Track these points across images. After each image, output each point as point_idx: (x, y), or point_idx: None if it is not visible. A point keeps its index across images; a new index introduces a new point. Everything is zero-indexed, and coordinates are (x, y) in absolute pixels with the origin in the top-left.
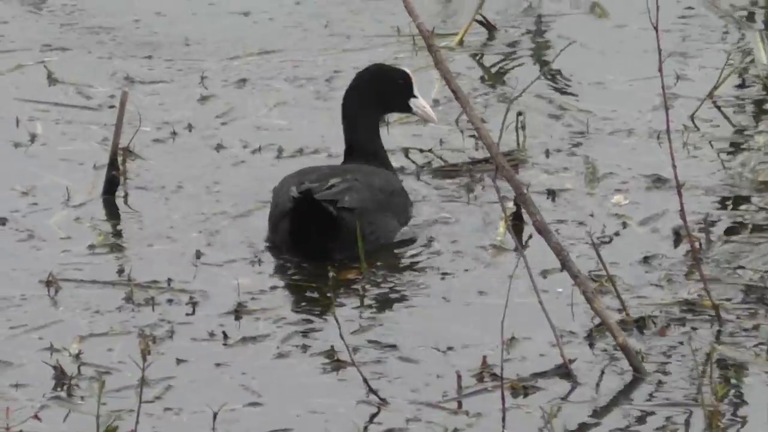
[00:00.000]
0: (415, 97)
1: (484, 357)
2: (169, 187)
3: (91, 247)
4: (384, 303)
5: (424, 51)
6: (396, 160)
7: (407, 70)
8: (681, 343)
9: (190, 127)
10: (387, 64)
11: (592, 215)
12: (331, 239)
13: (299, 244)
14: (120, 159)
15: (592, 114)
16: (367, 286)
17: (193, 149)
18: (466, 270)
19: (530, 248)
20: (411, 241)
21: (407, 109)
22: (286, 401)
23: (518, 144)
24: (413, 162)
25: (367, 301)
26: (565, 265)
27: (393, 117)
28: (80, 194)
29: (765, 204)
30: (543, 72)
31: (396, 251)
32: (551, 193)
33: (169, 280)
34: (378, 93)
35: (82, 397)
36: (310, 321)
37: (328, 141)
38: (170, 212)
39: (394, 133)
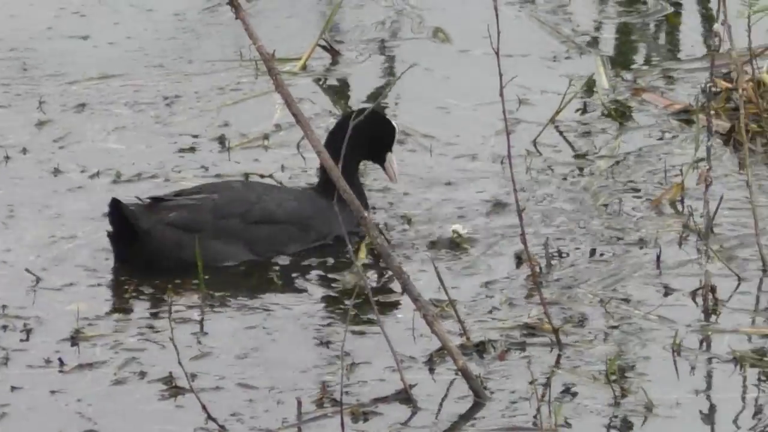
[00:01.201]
0: (391, 151)
1: (324, 383)
2: (3, 211)
3: None
4: (223, 328)
5: (266, 75)
6: None
7: (396, 126)
8: (521, 367)
9: (24, 151)
10: (380, 113)
11: (434, 241)
12: (136, 251)
13: (114, 248)
14: None
15: (435, 139)
16: (207, 311)
17: (28, 173)
18: (309, 295)
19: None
20: (253, 266)
21: (381, 161)
22: (124, 428)
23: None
24: None
25: (206, 327)
26: (406, 288)
27: (235, 141)
28: None
29: (605, 228)
30: (383, 96)
31: (238, 276)
32: (404, 218)
33: (4, 306)
34: (368, 140)
35: None
36: (147, 347)
37: (166, 166)
38: (5, 237)
39: (235, 158)
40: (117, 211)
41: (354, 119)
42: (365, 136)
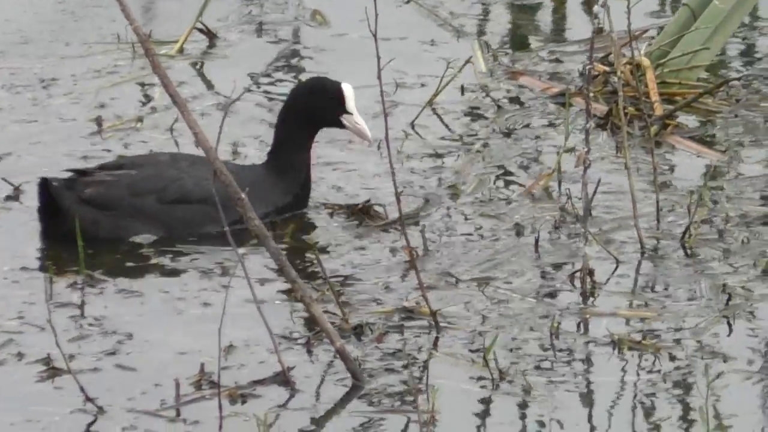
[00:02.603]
0: (348, 113)
1: (202, 364)
2: None
3: None
4: (102, 309)
5: (144, 58)
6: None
7: (344, 85)
8: (399, 350)
9: None
10: (324, 77)
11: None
12: (58, 228)
13: (42, 224)
14: None
15: None
16: (86, 291)
17: None
18: (188, 276)
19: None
20: (136, 247)
21: (338, 125)
22: (2, 410)
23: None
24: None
25: (85, 308)
26: (283, 270)
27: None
28: None
29: (482, 212)
30: (257, 79)
31: (125, 255)
32: None
33: None
34: (308, 107)
35: None
36: (25, 329)
37: (41, 149)
38: None
39: (107, 139)
40: (44, 189)
41: (296, 89)
42: (308, 103)
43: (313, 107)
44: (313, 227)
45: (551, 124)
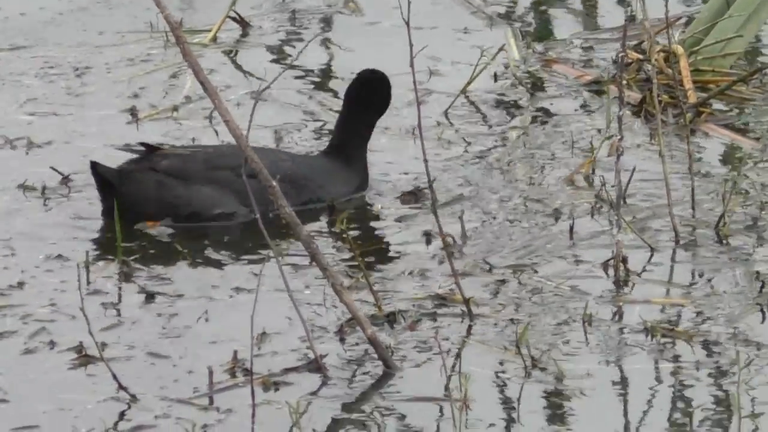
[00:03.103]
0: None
1: (235, 352)
2: None
3: None
4: (135, 298)
5: (176, 48)
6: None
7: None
8: (432, 337)
9: None
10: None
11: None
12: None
13: (103, 202)
14: None
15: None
16: (121, 279)
17: None
18: (220, 263)
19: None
20: (173, 235)
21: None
22: (34, 398)
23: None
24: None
25: (117, 297)
26: (315, 258)
27: (144, 113)
28: None
29: (517, 199)
30: (289, 66)
31: (159, 243)
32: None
33: None
34: (372, 100)
35: None
36: (58, 317)
37: (79, 139)
38: None
39: (144, 129)
40: (95, 172)
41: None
42: (377, 97)
43: (381, 102)
44: (364, 212)
45: (586, 112)
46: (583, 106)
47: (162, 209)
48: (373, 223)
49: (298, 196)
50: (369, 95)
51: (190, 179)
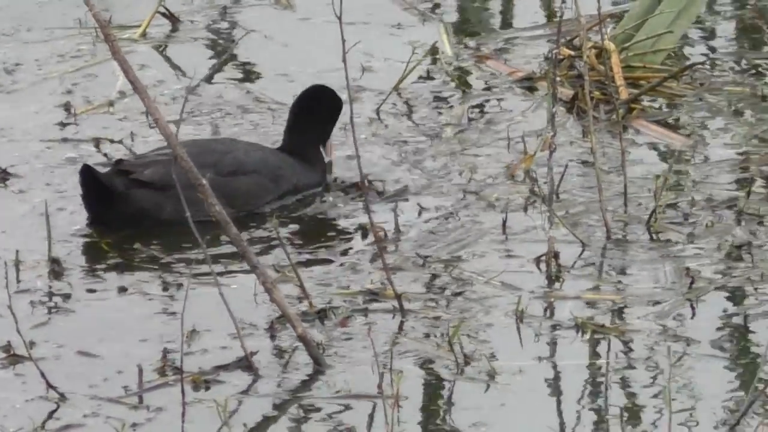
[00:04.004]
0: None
1: (165, 350)
2: None
3: None
4: (64, 296)
5: (105, 44)
6: (85, 151)
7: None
8: (364, 333)
9: None
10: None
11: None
12: (114, 213)
13: (89, 211)
14: None
15: (282, 105)
16: (51, 278)
17: None
18: (151, 262)
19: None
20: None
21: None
22: None
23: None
24: (105, 155)
25: (47, 295)
26: (245, 256)
27: (81, 108)
28: None
29: (449, 195)
30: (220, 63)
31: (91, 242)
32: None
33: None
34: (329, 116)
35: None
36: None
37: (18, 134)
38: None
39: (81, 124)
40: (89, 176)
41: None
42: (328, 113)
43: (330, 117)
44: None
45: (519, 108)
46: (516, 102)
47: (148, 219)
48: (312, 218)
49: (277, 188)
50: (315, 108)
51: (174, 187)
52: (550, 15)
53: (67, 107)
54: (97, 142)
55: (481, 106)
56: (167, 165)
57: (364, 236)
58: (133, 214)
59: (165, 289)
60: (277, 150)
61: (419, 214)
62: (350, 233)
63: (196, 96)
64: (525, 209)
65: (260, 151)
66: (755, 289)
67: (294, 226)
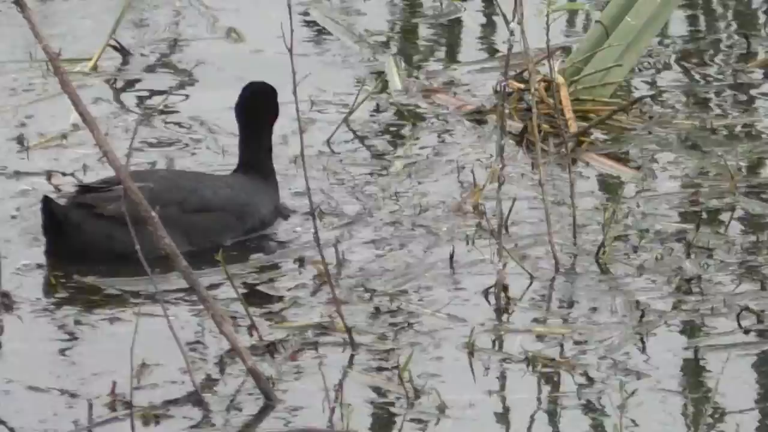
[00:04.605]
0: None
1: (114, 384)
2: None
3: None
4: (15, 330)
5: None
6: (36, 184)
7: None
8: (314, 367)
9: None
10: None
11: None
12: (68, 244)
13: (47, 241)
14: None
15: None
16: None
17: None
18: (101, 296)
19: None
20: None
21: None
22: None
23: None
24: (56, 187)
25: None
26: (195, 289)
27: (34, 141)
28: None
29: (398, 227)
30: (171, 93)
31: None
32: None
33: None
34: (261, 110)
35: None
36: None
37: None
38: None
39: (33, 157)
40: (47, 207)
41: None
42: (269, 105)
43: (269, 107)
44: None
45: (468, 141)
46: (465, 135)
47: (108, 253)
48: (258, 249)
49: (243, 225)
50: (259, 106)
51: (137, 222)
52: (494, 50)
53: (20, 140)
54: (49, 174)
55: (430, 138)
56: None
57: (310, 269)
58: (86, 245)
59: (115, 321)
60: (235, 173)
61: (366, 246)
62: (297, 265)
63: (148, 128)
64: (473, 242)
65: (228, 188)
66: (705, 322)
67: (241, 259)
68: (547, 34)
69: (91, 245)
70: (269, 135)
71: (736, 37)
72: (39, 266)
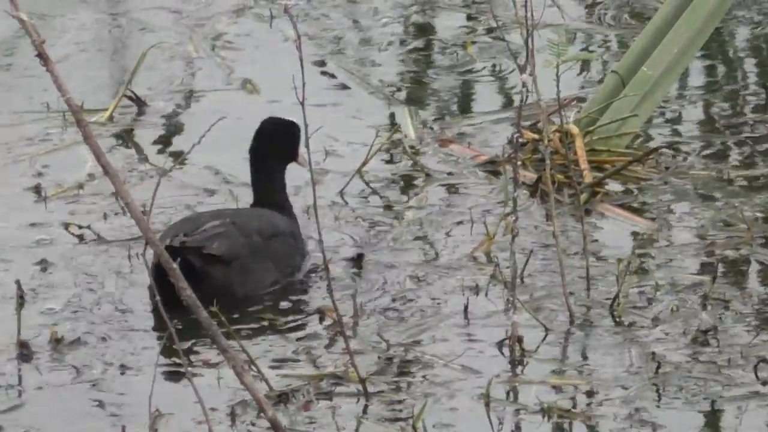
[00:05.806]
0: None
1: (123, 428)
2: None
3: None
4: (33, 379)
5: (74, 127)
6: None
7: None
8: (328, 417)
9: None
10: (281, 119)
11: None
12: (197, 289)
13: (166, 295)
14: None
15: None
16: (18, 362)
17: None
18: (116, 343)
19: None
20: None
21: (296, 159)
22: None
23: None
24: (74, 235)
25: (17, 379)
26: (215, 339)
27: (51, 191)
28: None
29: (412, 278)
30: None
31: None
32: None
33: None
34: (285, 144)
35: None
36: None
37: None
38: None
39: (52, 207)
40: (179, 256)
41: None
42: (280, 141)
43: (286, 144)
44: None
45: (482, 192)
46: (479, 185)
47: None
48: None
49: (304, 246)
50: (270, 143)
51: (237, 257)
52: (509, 100)
53: (38, 190)
54: (66, 226)
55: (443, 189)
56: (225, 236)
57: (321, 319)
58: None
59: (124, 369)
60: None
61: (380, 296)
62: (310, 316)
63: (165, 179)
64: (486, 293)
65: (278, 214)
66: (722, 374)
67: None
68: (557, 85)
69: (217, 290)
70: (281, 171)
71: (754, 87)
72: (56, 315)
